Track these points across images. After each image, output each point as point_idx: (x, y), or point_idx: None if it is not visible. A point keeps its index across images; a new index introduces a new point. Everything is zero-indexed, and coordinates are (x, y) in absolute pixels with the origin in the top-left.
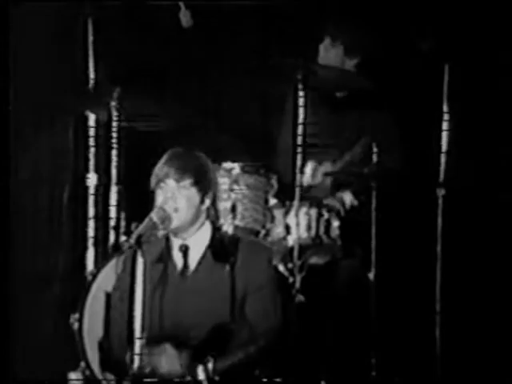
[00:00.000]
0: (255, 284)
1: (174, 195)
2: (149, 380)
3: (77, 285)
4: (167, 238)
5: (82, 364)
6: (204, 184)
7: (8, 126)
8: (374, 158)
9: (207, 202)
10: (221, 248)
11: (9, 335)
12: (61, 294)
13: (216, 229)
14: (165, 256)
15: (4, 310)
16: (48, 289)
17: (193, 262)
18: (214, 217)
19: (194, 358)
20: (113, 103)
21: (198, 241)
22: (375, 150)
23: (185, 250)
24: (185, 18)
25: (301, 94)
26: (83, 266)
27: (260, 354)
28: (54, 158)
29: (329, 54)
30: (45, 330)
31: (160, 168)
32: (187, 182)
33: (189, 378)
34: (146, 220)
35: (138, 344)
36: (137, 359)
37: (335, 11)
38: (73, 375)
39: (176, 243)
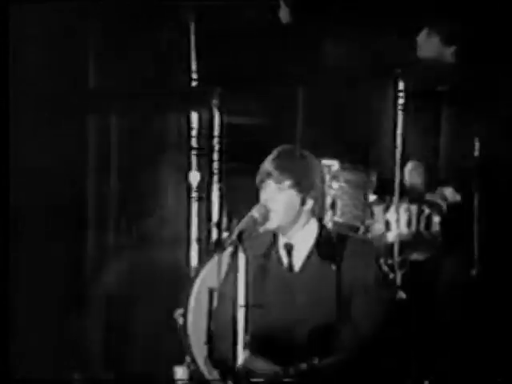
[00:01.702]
0: (362, 284)
1: (274, 196)
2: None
3: (181, 281)
4: (275, 234)
5: (188, 359)
6: (305, 185)
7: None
8: (477, 152)
9: (310, 202)
10: (327, 246)
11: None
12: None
13: (322, 227)
14: (271, 251)
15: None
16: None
17: (298, 260)
18: (319, 215)
19: (298, 355)
20: (214, 101)
21: (304, 239)
22: (478, 143)
23: (289, 249)
24: (284, 14)
25: (401, 88)
26: (187, 262)
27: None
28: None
29: (426, 44)
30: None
31: (264, 167)
32: (286, 183)
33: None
34: (248, 216)
35: (241, 341)
36: (240, 356)
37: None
38: (179, 370)
39: (282, 240)
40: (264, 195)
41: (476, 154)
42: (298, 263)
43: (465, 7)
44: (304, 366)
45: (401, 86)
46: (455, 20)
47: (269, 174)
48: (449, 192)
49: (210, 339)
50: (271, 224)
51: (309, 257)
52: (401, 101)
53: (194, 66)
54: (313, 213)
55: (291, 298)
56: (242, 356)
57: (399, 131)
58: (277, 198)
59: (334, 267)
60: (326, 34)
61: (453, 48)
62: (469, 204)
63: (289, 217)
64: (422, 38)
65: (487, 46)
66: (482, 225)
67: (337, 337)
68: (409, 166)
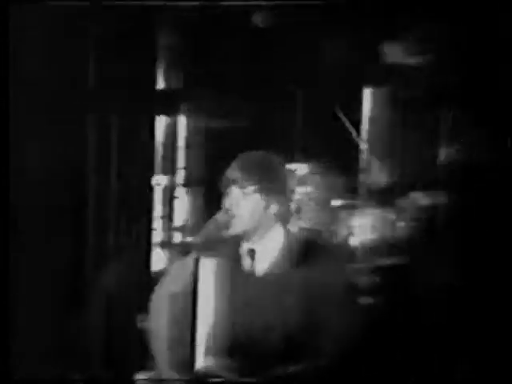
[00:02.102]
0: (329, 291)
1: (238, 202)
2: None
3: (142, 285)
4: (239, 239)
5: (150, 364)
6: (270, 190)
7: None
8: (446, 155)
9: (274, 207)
10: (293, 252)
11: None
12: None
13: (288, 233)
14: (235, 257)
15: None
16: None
17: (263, 266)
18: (285, 220)
19: (263, 362)
20: (182, 104)
21: (269, 245)
22: (447, 146)
23: (253, 255)
24: (260, 18)
25: (367, 92)
26: (148, 266)
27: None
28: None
29: (390, 53)
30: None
31: (228, 173)
32: (250, 188)
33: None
34: (212, 221)
35: (203, 345)
36: (202, 360)
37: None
38: (141, 375)
39: (246, 246)
40: (228, 200)
41: (443, 159)
42: (262, 269)
43: (429, 14)
44: (270, 374)
45: (367, 90)
46: (419, 27)
47: (233, 179)
48: (418, 196)
49: (173, 344)
50: (236, 229)
51: (274, 263)
52: (368, 106)
53: (163, 69)
54: (278, 218)
55: (255, 305)
56: (204, 361)
57: (365, 136)
58: (241, 203)
59: (299, 273)
60: (300, 38)
61: (418, 55)
62: (436, 209)
63: (253, 222)
64: (385, 46)
65: (453, 51)
66: (450, 230)
67: (303, 344)
68: (374, 167)
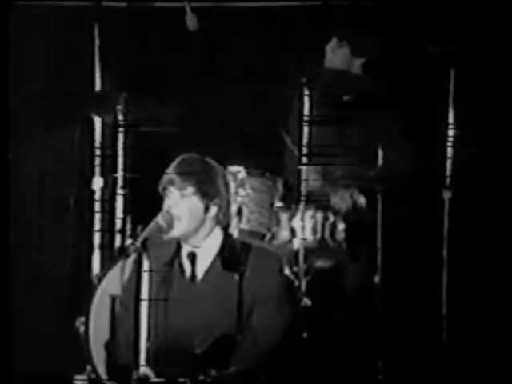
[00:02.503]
0: (264, 295)
1: (177, 203)
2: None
3: (83, 288)
4: (178, 242)
5: (88, 368)
6: (208, 192)
7: (8, 125)
8: (380, 160)
9: (213, 209)
10: (231, 256)
11: (8, 334)
12: (63, 296)
13: (227, 236)
14: (175, 260)
15: (4, 310)
16: (50, 291)
17: (202, 269)
18: (223, 223)
19: (197, 365)
20: (119, 107)
21: (208, 248)
22: (381, 152)
23: (192, 258)
24: (191, 21)
25: (306, 97)
26: (89, 268)
27: (260, 369)
28: (58, 160)
29: (336, 54)
30: (46, 332)
31: (167, 174)
32: (189, 190)
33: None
34: (152, 223)
35: (143, 348)
36: (142, 364)
37: (341, 12)
38: (78, 378)
39: (185, 249)
40: (168, 202)
41: (379, 162)
42: (200, 272)
43: (376, 20)
44: (202, 377)
45: (306, 94)
46: (366, 32)
47: (171, 181)
48: (354, 193)
49: (112, 347)
50: (176, 232)
51: (211, 266)
52: (306, 109)
53: (99, 70)
54: (217, 220)
55: (193, 308)
56: (143, 367)
57: (304, 138)
58: (180, 204)
59: (236, 277)
60: (233, 42)
61: (361, 60)
62: (372, 211)
63: (192, 224)
64: (331, 46)
65: (395, 59)
66: (385, 232)
67: (237, 347)
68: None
